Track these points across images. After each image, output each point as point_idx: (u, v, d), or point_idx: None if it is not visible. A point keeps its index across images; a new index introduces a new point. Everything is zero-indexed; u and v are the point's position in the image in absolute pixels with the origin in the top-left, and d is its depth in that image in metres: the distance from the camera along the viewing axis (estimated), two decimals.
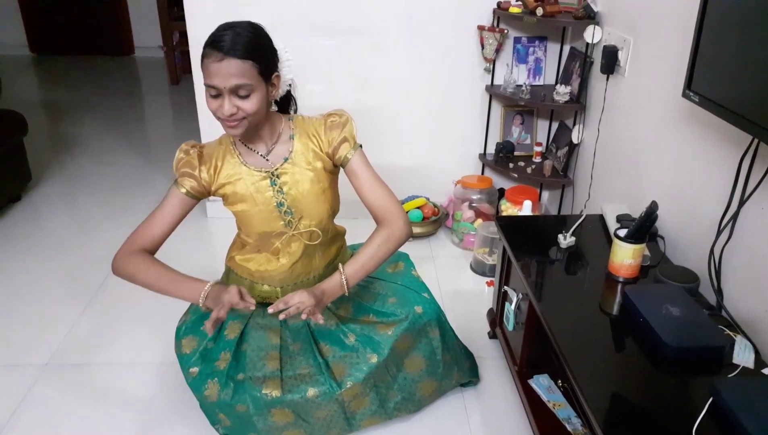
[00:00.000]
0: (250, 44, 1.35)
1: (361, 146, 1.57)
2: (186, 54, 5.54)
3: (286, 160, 1.54)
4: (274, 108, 1.60)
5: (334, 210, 1.64)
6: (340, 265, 1.51)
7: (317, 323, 1.59)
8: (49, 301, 2.33)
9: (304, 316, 1.42)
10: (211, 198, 1.61)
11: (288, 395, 1.50)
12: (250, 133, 1.49)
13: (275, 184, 1.53)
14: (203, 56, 1.35)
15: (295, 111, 1.67)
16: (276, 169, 1.53)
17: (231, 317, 1.66)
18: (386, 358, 1.57)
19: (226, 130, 1.44)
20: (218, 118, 1.42)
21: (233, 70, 1.33)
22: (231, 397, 1.51)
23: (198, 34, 2.64)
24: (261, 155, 1.54)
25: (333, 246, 1.71)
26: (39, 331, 2.16)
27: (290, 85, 1.58)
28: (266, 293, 1.67)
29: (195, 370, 1.58)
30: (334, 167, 1.60)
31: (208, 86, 1.36)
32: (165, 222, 1.54)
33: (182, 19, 2.68)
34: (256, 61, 1.36)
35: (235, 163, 1.54)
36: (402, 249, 2.70)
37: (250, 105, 1.38)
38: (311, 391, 1.51)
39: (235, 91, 1.35)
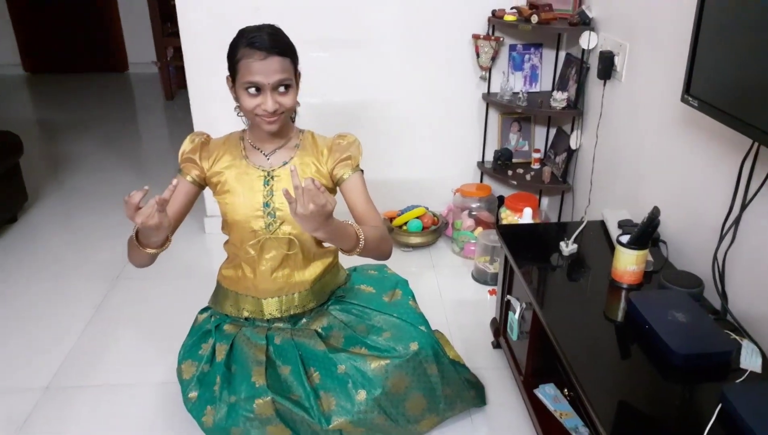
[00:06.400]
0: (286, 43, 1.46)
1: (362, 172, 1.60)
2: (180, 69, 5.58)
3: (285, 163, 1.57)
4: None
5: None
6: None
7: (303, 340, 1.59)
8: (48, 323, 2.31)
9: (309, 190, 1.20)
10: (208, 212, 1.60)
11: (280, 412, 1.50)
12: (276, 131, 1.53)
13: (268, 184, 1.55)
14: (240, 57, 1.42)
15: (294, 118, 1.70)
16: (273, 170, 1.56)
17: (218, 339, 1.66)
18: (377, 397, 1.52)
19: (263, 127, 1.49)
20: (256, 116, 1.47)
21: (276, 66, 1.41)
22: (225, 421, 1.50)
23: (192, 49, 2.64)
24: (264, 154, 1.58)
25: (319, 261, 1.68)
26: (39, 354, 2.13)
27: None
28: (252, 307, 1.66)
29: (194, 395, 1.59)
30: (333, 187, 1.61)
31: (249, 84, 1.42)
32: (171, 210, 1.51)
33: (176, 34, 2.68)
34: (292, 58, 1.47)
35: (236, 156, 1.58)
36: (403, 261, 2.70)
37: (289, 100, 1.46)
38: (302, 415, 1.50)
39: (276, 87, 1.43)
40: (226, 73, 1.52)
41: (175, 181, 1.30)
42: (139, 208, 1.25)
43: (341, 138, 1.61)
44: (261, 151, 1.59)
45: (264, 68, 1.40)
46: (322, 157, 1.59)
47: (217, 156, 1.59)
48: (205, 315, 1.77)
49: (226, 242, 1.68)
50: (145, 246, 1.39)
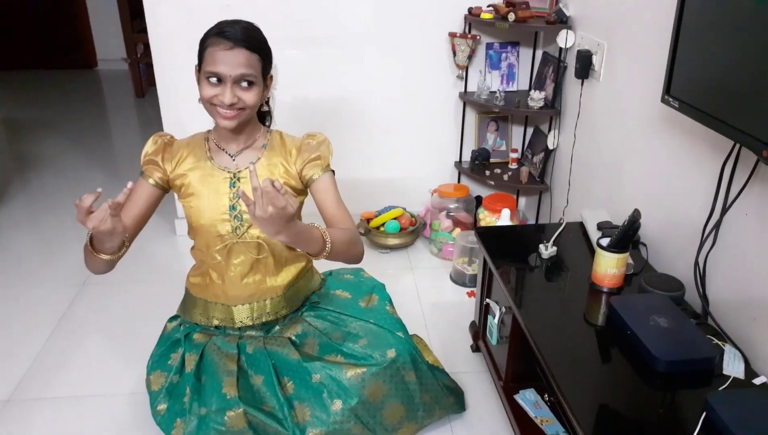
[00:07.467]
0: (257, 39, 1.41)
1: (333, 172, 1.55)
2: (151, 66, 5.41)
3: (252, 164, 1.50)
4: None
5: None
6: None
7: (276, 348, 1.54)
8: (9, 331, 2.22)
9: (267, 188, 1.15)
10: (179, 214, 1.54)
11: (253, 424, 1.44)
12: (235, 129, 1.47)
13: (234, 186, 1.50)
14: (206, 45, 1.39)
15: (270, 123, 1.65)
16: (239, 172, 1.51)
17: (187, 348, 1.60)
18: (354, 407, 1.47)
19: (219, 122, 1.43)
20: (212, 106, 1.41)
21: (242, 59, 1.36)
22: (195, 434, 1.45)
23: (161, 46, 2.57)
24: (229, 155, 1.52)
25: (292, 266, 1.63)
26: (0, 364, 2.04)
27: (270, 95, 1.57)
28: (221, 315, 1.60)
29: (163, 407, 1.54)
30: (303, 188, 1.56)
31: (210, 73, 1.37)
32: (131, 214, 1.47)
33: (146, 30, 2.60)
34: (261, 56, 1.41)
35: (200, 157, 1.53)
36: (380, 263, 2.65)
37: (250, 97, 1.40)
38: (276, 427, 1.45)
39: (238, 81, 1.38)
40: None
41: (130, 184, 1.24)
42: (92, 212, 1.20)
43: (310, 137, 1.56)
44: (226, 152, 1.53)
45: (228, 59, 1.36)
46: (290, 157, 1.54)
47: (180, 157, 1.53)
48: (174, 323, 1.70)
49: (193, 248, 1.62)
50: (99, 252, 1.33)
